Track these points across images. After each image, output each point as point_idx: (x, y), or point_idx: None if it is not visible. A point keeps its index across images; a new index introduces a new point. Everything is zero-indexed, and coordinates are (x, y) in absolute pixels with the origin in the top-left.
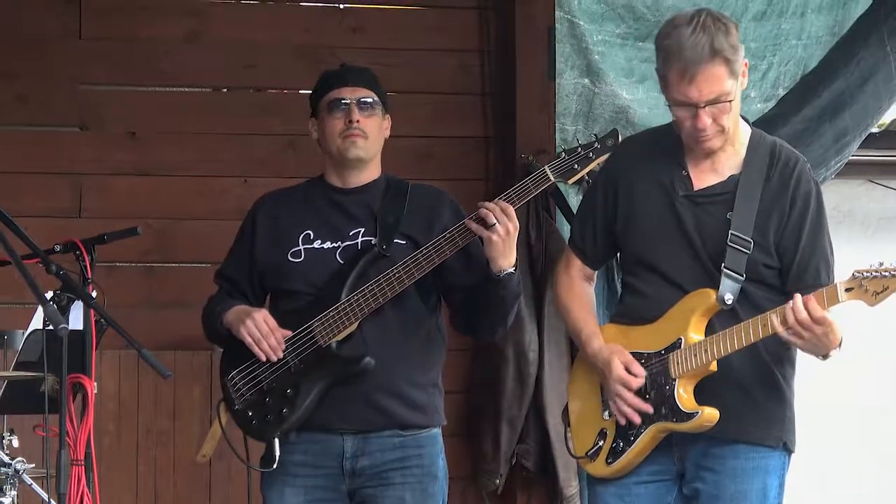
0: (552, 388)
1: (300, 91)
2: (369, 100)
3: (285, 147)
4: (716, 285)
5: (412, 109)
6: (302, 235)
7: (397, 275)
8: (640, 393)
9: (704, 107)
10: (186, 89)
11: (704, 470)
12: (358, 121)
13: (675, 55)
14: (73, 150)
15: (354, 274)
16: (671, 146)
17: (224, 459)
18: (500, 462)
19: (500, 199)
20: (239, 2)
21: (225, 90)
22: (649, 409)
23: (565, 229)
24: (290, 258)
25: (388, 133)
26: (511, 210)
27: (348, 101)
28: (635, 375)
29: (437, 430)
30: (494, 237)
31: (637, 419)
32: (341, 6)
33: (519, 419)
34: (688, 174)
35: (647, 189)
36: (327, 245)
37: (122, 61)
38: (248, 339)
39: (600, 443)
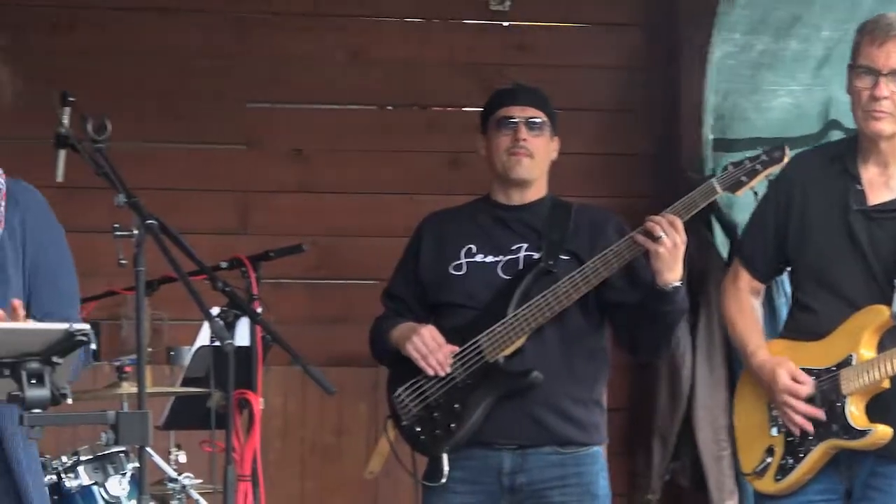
0: (703, 404)
1: (465, 108)
2: (538, 120)
3: (450, 164)
4: (888, 302)
5: (576, 127)
6: (464, 249)
7: (564, 290)
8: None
9: (887, 74)
10: (351, 107)
11: (873, 489)
12: (525, 139)
13: (871, 24)
14: (239, 168)
15: (520, 289)
16: (845, 161)
17: (391, 476)
18: (652, 479)
19: (668, 212)
20: (403, 20)
21: (390, 108)
22: (821, 414)
23: (720, 244)
24: (452, 271)
25: (555, 155)
26: (679, 223)
27: (517, 120)
28: (801, 384)
29: (598, 449)
30: (661, 249)
31: (809, 427)
32: (506, 24)
33: (671, 436)
34: (862, 189)
35: (820, 203)
36: (489, 259)
37: (288, 80)
38: (416, 355)
39: (768, 459)
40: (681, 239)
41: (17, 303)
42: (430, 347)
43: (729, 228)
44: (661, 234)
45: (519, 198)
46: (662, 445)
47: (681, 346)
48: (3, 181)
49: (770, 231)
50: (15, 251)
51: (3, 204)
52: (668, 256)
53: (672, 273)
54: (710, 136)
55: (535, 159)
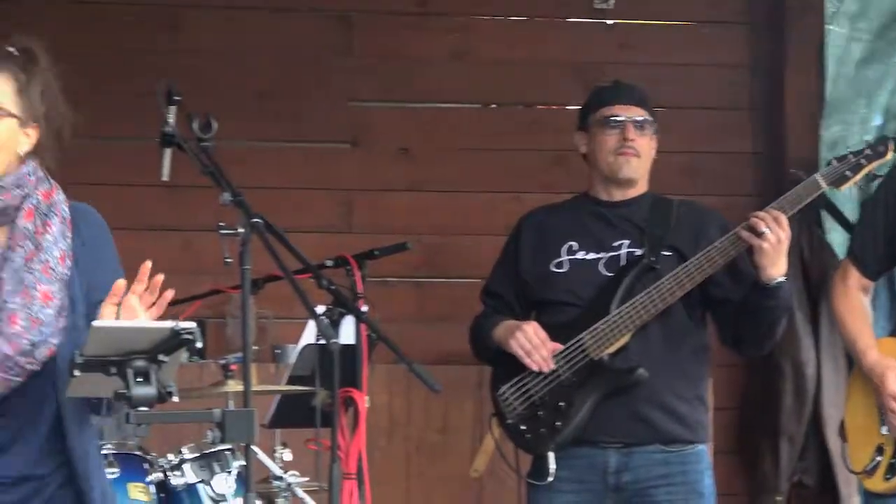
0: (830, 403)
1: (568, 107)
2: (642, 119)
3: (554, 162)
4: None
5: (679, 125)
6: (565, 246)
7: (668, 287)
8: None
9: None
10: (455, 105)
11: None
12: (633, 139)
13: None
14: (343, 167)
15: (623, 286)
16: None
17: (495, 475)
18: (780, 480)
19: (772, 207)
20: (506, 18)
21: (493, 106)
22: None
23: (836, 243)
24: (553, 269)
25: (654, 153)
26: (783, 219)
27: (623, 119)
28: None
29: (703, 448)
30: (765, 245)
31: None
32: (609, 22)
33: (798, 436)
34: None
35: None
36: (591, 256)
37: (392, 78)
38: (520, 351)
39: (878, 458)
40: (785, 234)
41: (122, 283)
42: (534, 343)
43: (846, 225)
44: (766, 229)
45: (621, 194)
46: (790, 445)
47: (803, 346)
48: (66, 209)
49: (880, 228)
50: (80, 279)
51: (69, 236)
52: (773, 252)
53: (776, 268)
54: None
55: (641, 159)
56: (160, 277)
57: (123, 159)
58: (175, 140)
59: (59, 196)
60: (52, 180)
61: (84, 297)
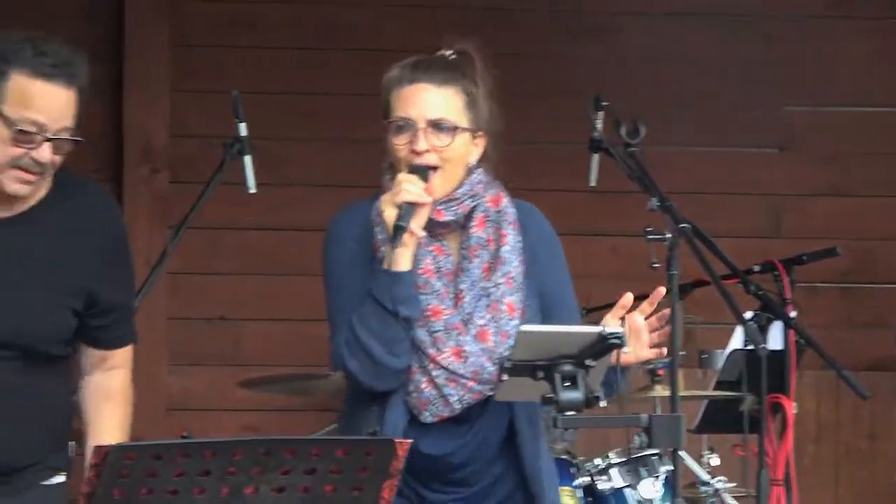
0: None
1: None
2: None
3: None
4: None
5: None
6: None
7: None
8: None
9: None
10: (884, 109)
11: None
12: None
13: None
14: (772, 171)
15: None
16: None
17: None
18: None
19: None
20: None
21: None
22: None
23: None
24: None
25: None
26: None
27: None
28: None
29: None
30: None
31: None
32: None
33: None
34: None
35: None
36: None
37: (823, 82)
38: None
39: None
40: None
41: (630, 297)
42: None
43: None
44: None
45: None
46: None
47: None
48: (513, 211)
49: None
50: (529, 281)
51: (520, 240)
52: None
53: None
54: None
55: None
56: (661, 290)
57: (553, 165)
58: (603, 145)
59: (506, 199)
60: (498, 185)
61: (536, 296)
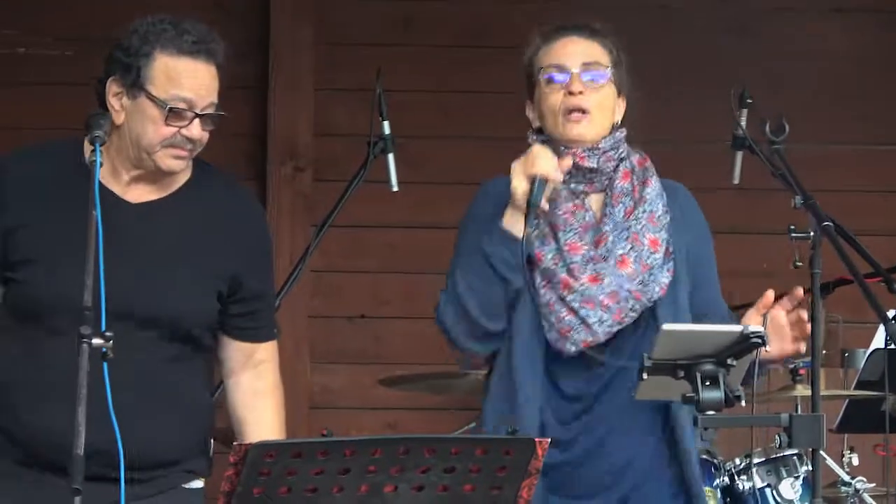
0: None
1: None
2: None
3: None
4: None
5: None
6: None
7: None
8: None
9: None
10: None
11: None
12: None
13: None
14: None
15: None
16: None
17: None
18: None
19: None
20: None
21: None
22: None
23: None
24: None
25: None
26: None
27: None
28: None
29: None
30: None
31: None
32: None
33: None
34: None
35: None
36: None
37: None
38: None
39: None
40: None
41: (771, 294)
42: None
43: None
44: None
45: None
46: None
47: None
48: (654, 170)
49: None
50: (677, 246)
51: (655, 182)
52: None
53: None
54: None
55: None
56: (800, 292)
57: (688, 161)
58: (746, 143)
59: (650, 163)
60: (642, 152)
61: (685, 262)
